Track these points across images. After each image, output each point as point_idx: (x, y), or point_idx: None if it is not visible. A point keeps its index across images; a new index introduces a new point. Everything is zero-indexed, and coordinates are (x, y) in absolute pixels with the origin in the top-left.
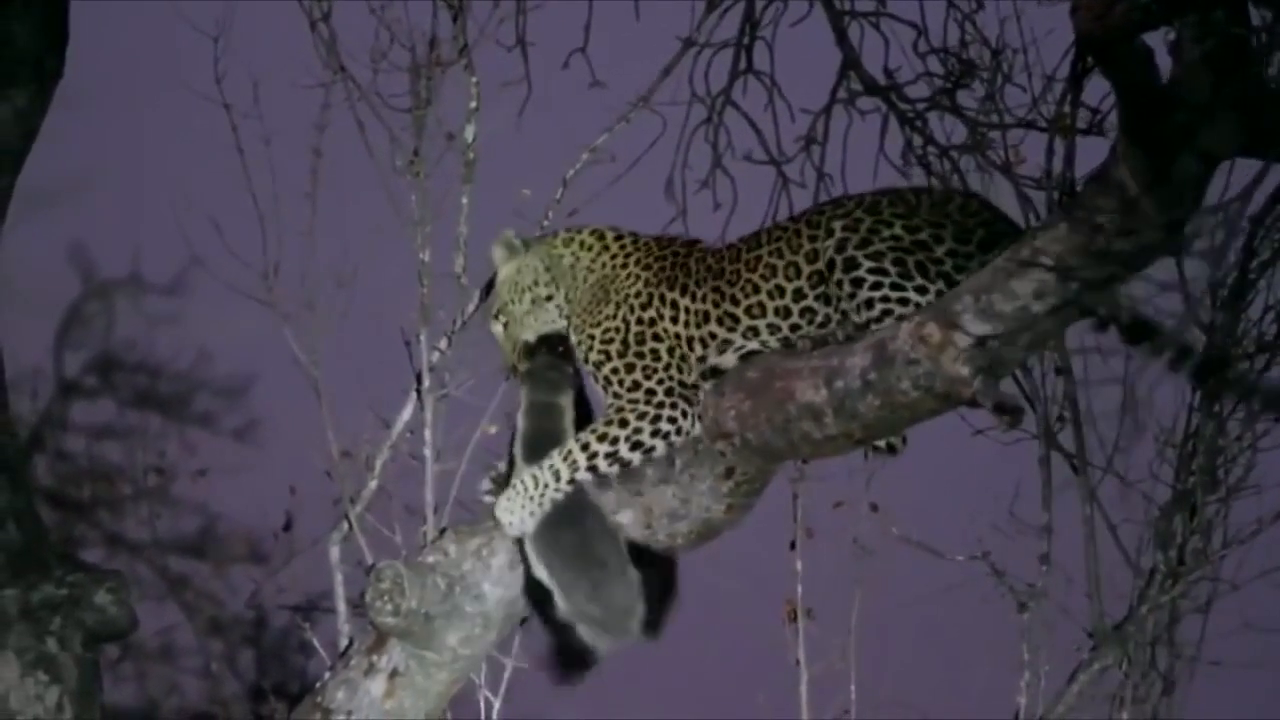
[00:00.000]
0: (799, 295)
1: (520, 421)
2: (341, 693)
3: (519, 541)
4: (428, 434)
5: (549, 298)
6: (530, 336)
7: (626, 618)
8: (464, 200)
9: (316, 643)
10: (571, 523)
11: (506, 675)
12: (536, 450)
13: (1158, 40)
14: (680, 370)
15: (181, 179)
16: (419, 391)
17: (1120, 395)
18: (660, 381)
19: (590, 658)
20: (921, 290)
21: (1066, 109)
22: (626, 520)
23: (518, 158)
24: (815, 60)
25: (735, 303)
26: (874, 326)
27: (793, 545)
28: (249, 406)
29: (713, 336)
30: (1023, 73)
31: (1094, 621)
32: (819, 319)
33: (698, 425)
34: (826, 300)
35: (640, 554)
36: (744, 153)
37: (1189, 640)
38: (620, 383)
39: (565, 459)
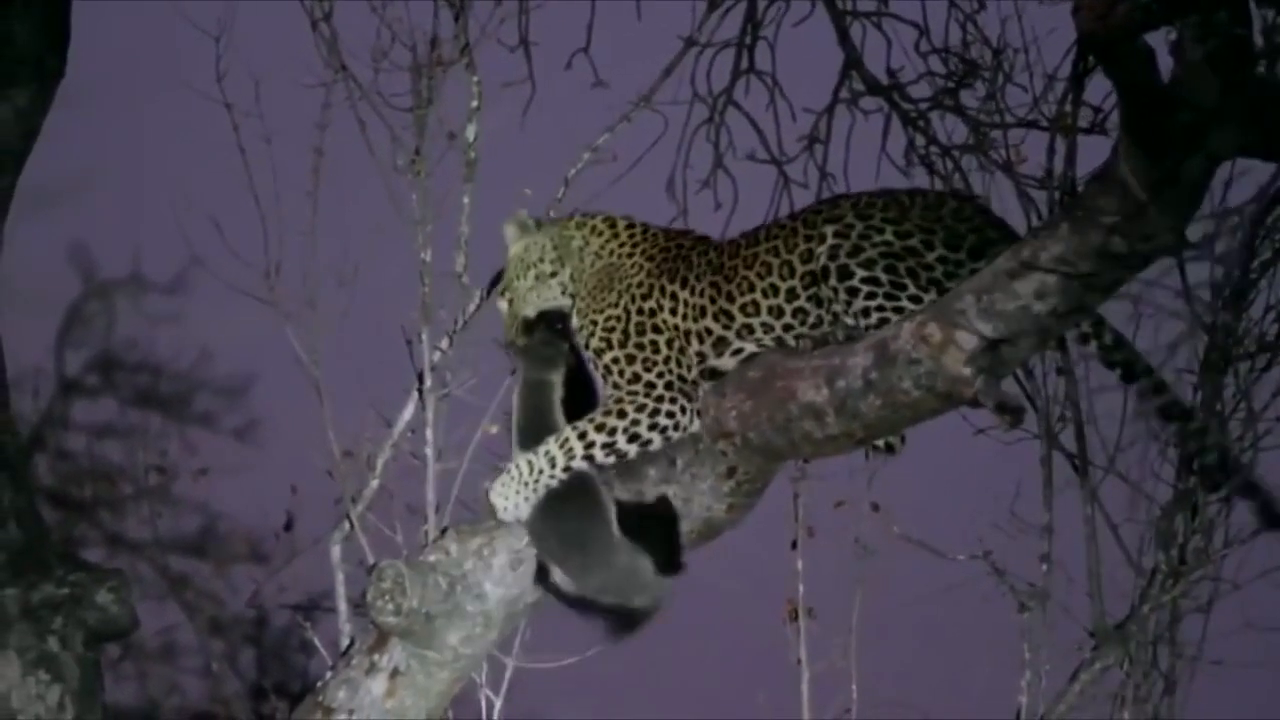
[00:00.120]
0: (792, 295)
1: (514, 403)
2: (343, 692)
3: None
4: (429, 433)
5: (553, 274)
6: (531, 312)
7: (634, 575)
8: (465, 200)
9: (318, 642)
10: (567, 502)
11: (507, 675)
12: (528, 433)
13: (1159, 40)
14: (679, 364)
15: (182, 178)
16: (420, 391)
17: (1122, 395)
18: (660, 375)
19: (635, 616)
20: (915, 299)
21: (1068, 108)
22: None
23: (519, 157)
24: (817, 60)
25: (731, 299)
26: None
27: (794, 545)
28: (250, 406)
29: (709, 332)
30: (1024, 72)
31: (1095, 621)
32: (810, 320)
33: (697, 422)
34: (819, 302)
35: (628, 510)
36: (746, 152)
37: (1190, 640)
38: (620, 373)
39: (562, 446)
